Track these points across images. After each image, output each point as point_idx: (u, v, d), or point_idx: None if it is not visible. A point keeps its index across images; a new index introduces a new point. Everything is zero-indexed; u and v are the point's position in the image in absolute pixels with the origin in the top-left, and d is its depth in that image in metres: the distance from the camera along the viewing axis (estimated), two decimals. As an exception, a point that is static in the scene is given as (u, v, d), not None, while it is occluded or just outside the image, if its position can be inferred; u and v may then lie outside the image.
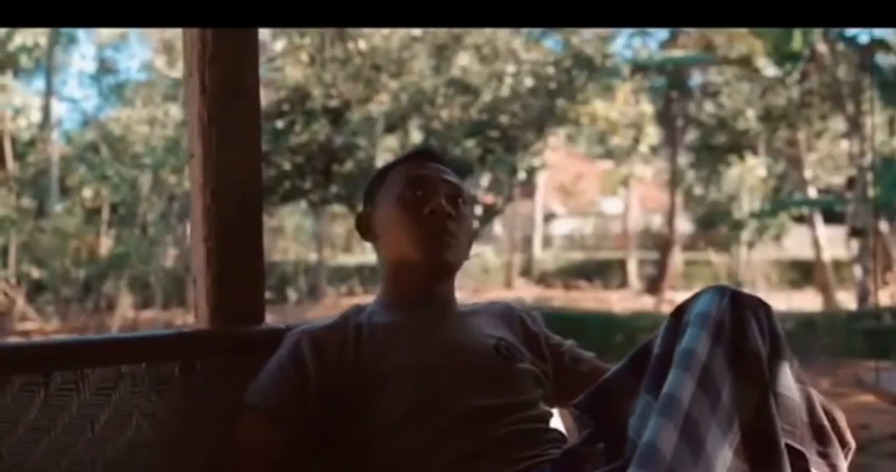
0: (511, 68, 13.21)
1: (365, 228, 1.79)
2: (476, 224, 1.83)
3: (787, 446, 1.40)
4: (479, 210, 14.80)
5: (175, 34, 13.78)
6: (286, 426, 1.59)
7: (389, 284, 1.75)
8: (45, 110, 17.35)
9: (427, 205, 1.68)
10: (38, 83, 18.90)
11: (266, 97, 12.93)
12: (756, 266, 16.81)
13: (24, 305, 14.06)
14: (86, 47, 23.52)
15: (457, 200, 1.72)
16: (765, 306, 1.47)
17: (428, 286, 1.71)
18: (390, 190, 1.73)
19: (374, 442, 1.58)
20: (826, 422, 1.48)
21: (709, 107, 17.52)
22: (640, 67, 16.28)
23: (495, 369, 1.64)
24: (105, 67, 20.77)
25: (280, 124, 12.86)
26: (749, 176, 15.78)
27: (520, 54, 13.19)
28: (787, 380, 1.45)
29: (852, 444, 1.49)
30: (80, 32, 18.85)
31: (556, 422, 1.76)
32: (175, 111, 14.41)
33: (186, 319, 12.51)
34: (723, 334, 1.40)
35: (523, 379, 1.67)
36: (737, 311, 1.44)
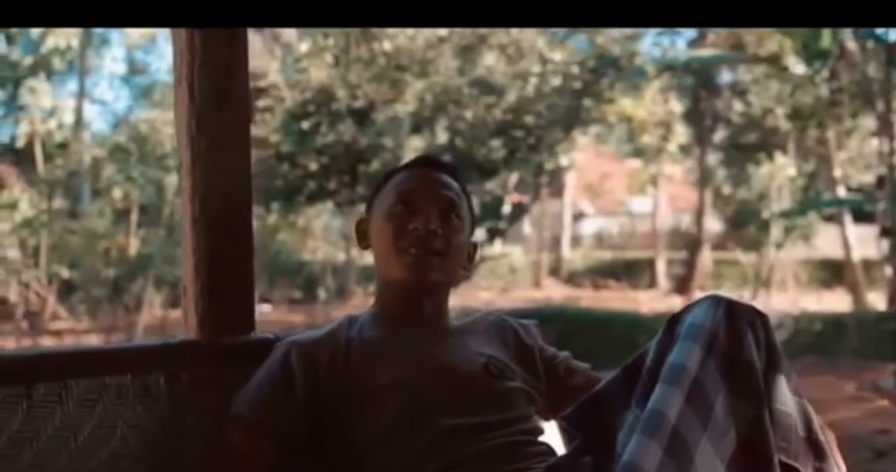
0: (536, 68, 13.16)
1: (361, 236, 1.77)
2: (471, 239, 1.79)
3: (781, 462, 1.37)
4: (507, 209, 14.75)
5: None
6: (273, 437, 1.58)
7: (381, 297, 1.74)
8: (78, 112, 17.50)
9: (412, 222, 1.65)
10: (71, 85, 19.09)
11: (291, 98, 12.96)
12: (785, 266, 16.64)
13: (55, 304, 14.21)
14: (117, 49, 23.75)
15: (449, 215, 1.68)
16: (762, 317, 1.45)
17: (416, 303, 1.69)
18: (383, 201, 1.71)
19: (361, 455, 1.57)
20: (823, 437, 1.45)
21: (737, 105, 17.39)
22: (668, 66, 16.18)
23: (484, 388, 1.62)
24: (135, 69, 20.96)
25: (306, 125, 12.88)
26: (778, 175, 15.61)
27: (545, 54, 13.14)
28: (784, 394, 1.43)
29: (843, 468, 1.46)
30: (112, 34, 19.02)
31: (555, 437, 1.73)
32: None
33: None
34: (716, 346, 1.38)
35: (513, 397, 1.65)
36: (732, 322, 1.41)
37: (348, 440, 1.58)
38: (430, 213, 1.66)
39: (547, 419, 1.73)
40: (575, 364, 1.78)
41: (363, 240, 1.76)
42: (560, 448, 1.67)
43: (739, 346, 1.39)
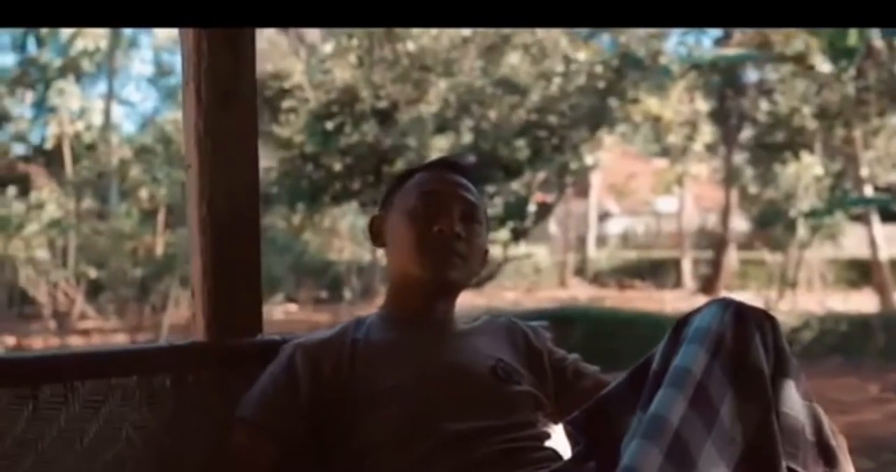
0: (560, 68, 13.10)
1: (375, 234, 1.76)
2: (486, 244, 1.78)
3: (789, 468, 1.35)
4: (532, 209, 14.70)
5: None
6: (277, 440, 1.58)
7: (392, 297, 1.73)
8: (106, 114, 17.65)
9: (436, 223, 1.64)
10: (100, 87, 19.26)
11: (316, 99, 12.97)
12: (812, 266, 16.50)
13: (83, 304, 14.32)
14: (145, 51, 23.92)
15: (471, 218, 1.68)
16: (770, 320, 1.43)
17: (429, 304, 1.68)
18: (404, 200, 1.70)
19: (364, 457, 1.56)
20: (833, 442, 1.42)
21: (764, 104, 17.23)
22: (693, 65, 16.07)
23: (491, 392, 1.61)
24: (162, 70, 21.10)
25: (330, 126, 12.88)
26: (805, 174, 15.45)
27: (569, 54, 13.07)
28: (792, 398, 1.40)
29: None
30: (141, 35, 19.16)
31: (562, 441, 1.72)
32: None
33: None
34: (723, 349, 1.36)
35: (520, 401, 1.63)
36: (740, 325, 1.39)
37: (352, 443, 1.57)
38: (454, 215, 1.66)
39: (556, 422, 1.71)
40: (584, 367, 1.77)
41: (377, 238, 1.76)
42: (568, 453, 1.66)
43: (746, 349, 1.37)
